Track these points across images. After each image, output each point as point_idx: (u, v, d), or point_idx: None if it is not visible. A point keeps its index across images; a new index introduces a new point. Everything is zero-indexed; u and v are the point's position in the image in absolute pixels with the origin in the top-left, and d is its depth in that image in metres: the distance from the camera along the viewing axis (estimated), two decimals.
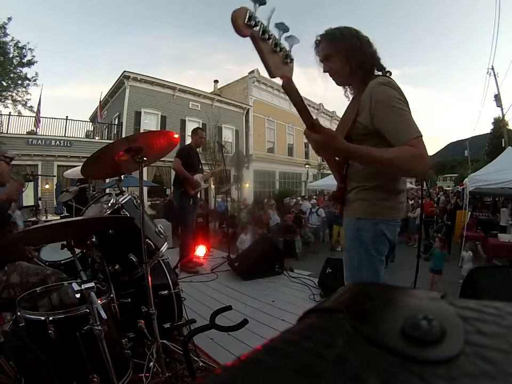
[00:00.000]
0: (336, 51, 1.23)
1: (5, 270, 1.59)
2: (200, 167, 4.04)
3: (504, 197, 9.18)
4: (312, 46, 1.30)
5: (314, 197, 13.50)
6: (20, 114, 12.40)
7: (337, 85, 1.34)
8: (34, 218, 4.01)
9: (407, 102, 1.14)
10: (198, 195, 4.18)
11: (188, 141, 4.35)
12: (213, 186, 13.78)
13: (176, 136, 1.56)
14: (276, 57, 0.93)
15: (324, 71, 1.30)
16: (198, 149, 4.08)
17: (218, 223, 10.21)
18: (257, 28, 0.84)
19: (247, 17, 0.81)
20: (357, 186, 1.29)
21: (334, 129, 1.15)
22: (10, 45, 12.19)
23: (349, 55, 1.21)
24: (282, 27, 0.91)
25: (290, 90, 1.00)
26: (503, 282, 2.33)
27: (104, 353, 1.17)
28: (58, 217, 3.78)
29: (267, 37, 0.87)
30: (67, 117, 12.74)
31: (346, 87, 1.37)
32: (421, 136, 1.08)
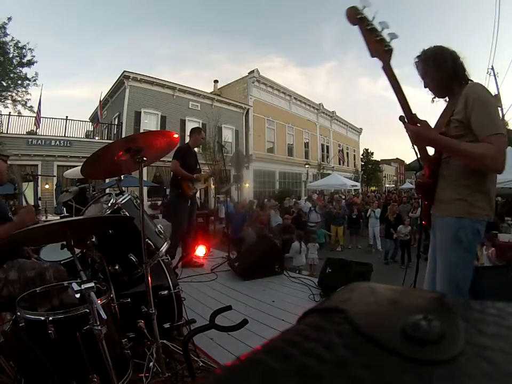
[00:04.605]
0: (427, 71, 1.40)
1: (4, 268, 1.60)
2: (198, 167, 3.95)
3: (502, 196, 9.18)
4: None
5: (315, 195, 13.51)
6: (20, 114, 12.39)
7: (438, 97, 1.48)
8: None
9: (495, 103, 1.27)
10: (198, 195, 4.16)
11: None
12: (212, 186, 13.77)
13: (176, 136, 1.55)
14: (378, 45, 1.17)
15: (424, 87, 1.46)
16: (196, 149, 4.02)
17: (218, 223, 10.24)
18: (364, 20, 1.12)
19: (357, 11, 1.10)
20: (453, 186, 1.35)
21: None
22: (10, 45, 12.17)
23: (438, 72, 1.37)
24: (384, 25, 1.16)
25: (388, 72, 1.21)
26: (503, 282, 2.33)
27: (104, 353, 1.17)
28: (58, 217, 3.77)
29: (371, 28, 1.14)
30: (67, 117, 12.76)
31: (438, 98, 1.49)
32: (502, 134, 1.21)
